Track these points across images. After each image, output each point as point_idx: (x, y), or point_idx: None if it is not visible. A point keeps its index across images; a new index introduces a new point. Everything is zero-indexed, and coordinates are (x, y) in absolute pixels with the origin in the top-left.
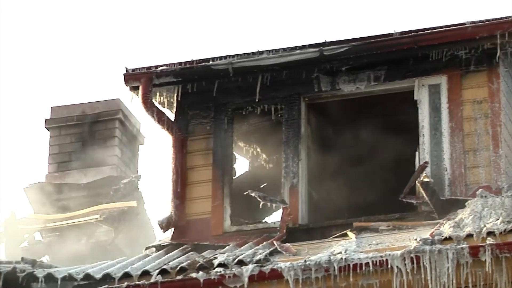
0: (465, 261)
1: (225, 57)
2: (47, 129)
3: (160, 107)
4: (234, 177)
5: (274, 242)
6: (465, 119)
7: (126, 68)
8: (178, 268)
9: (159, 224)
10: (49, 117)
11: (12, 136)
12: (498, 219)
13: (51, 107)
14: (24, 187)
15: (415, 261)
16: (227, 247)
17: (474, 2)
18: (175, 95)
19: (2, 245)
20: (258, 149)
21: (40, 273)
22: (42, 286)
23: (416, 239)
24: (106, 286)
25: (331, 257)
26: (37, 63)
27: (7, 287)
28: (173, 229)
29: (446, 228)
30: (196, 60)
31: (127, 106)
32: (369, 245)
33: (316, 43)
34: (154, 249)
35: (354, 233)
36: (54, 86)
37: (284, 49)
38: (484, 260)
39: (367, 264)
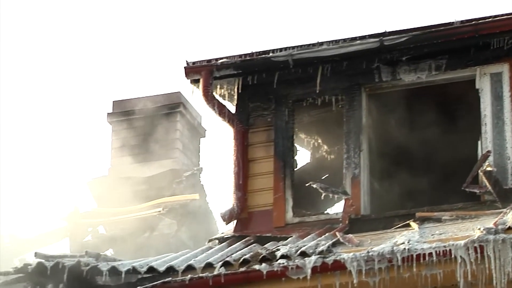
0: None
1: (285, 48)
2: (109, 123)
3: (220, 99)
4: (295, 169)
5: (337, 233)
6: None
7: (186, 61)
8: (241, 260)
9: (221, 217)
10: (111, 111)
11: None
12: None
13: (113, 101)
14: (87, 181)
15: (478, 251)
16: (289, 239)
17: None
18: (236, 87)
19: (66, 239)
20: (319, 140)
21: (104, 266)
22: (106, 280)
23: (479, 229)
24: (170, 278)
25: (394, 248)
26: (99, 57)
27: (71, 280)
28: (235, 221)
29: (510, 217)
30: (256, 52)
31: (188, 99)
32: (432, 235)
33: (376, 33)
34: (217, 241)
35: (417, 223)
36: (116, 80)
37: (344, 40)
38: None
39: (430, 254)
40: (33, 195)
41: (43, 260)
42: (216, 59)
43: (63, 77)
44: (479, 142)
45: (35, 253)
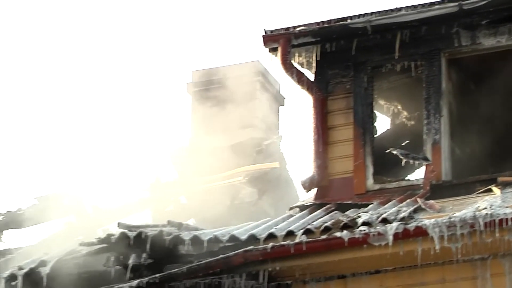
0: None
1: (363, 15)
2: (189, 93)
3: (299, 67)
4: (375, 136)
5: (418, 199)
6: None
7: (265, 30)
8: (322, 227)
9: (302, 185)
10: (191, 81)
11: (156, 101)
12: None
13: (192, 71)
14: (169, 152)
15: None
16: (370, 206)
17: None
18: (314, 55)
19: (148, 210)
20: (399, 107)
21: (186, 235)
22: (188, 249)
23: None
24: (252, 247)
25: (476, 213)
26: (179, 27)
27: (154, 250)
28: (315, 189)
29: None
30: (334, 19)
31: (266, 68)
32: None
33: None
34: (297, 209)
35: (499, 188)
36: (196, 50)
37: (423, 5)
38: None
39: None
40: (115, 166)
41: (126, 230)
42: (294, 27)
43: (145, 48)
44: None
45: (118, 223)
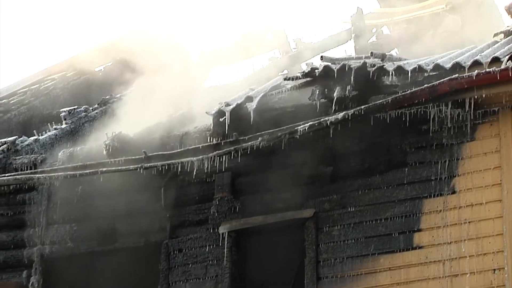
0: None
1: None
2: None
3: None
4: None
5: None
6: None
7: None
8: None
9: (506, 10)
10: None
11: None
12: None
13: None
14: None
15: None
16: None
17: None
18: None
19: (351, 42)
20: None
21: (389, 66)
22: (393, 79)
23: None
24: (456, 75)
25: None
26: None
27: (358, 82)
28: None
29: None
30: None
31: None
32: None
33: None
34: (502, 35)
35: None
36: None
37: None
38: None
39: None
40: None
41: (329, 63)
42: None
43: None
44: None
45: (321, 56)
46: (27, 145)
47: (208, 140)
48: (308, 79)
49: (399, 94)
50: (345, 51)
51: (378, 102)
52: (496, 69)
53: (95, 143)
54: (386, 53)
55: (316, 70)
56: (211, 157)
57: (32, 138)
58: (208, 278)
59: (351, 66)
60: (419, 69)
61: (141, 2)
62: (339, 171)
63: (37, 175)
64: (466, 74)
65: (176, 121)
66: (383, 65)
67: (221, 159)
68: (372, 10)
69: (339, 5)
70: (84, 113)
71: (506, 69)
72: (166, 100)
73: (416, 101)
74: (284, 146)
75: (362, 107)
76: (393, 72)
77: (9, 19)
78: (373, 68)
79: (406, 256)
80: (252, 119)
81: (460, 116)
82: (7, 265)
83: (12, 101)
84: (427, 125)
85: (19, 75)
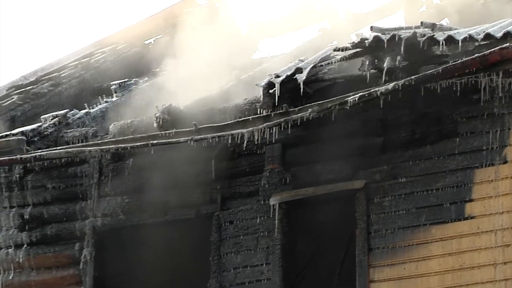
0: None
1: None
2: None
3: None
4: None
5: None
6: None
7: None
8: None
9: None
10: None
11: None
12: None
13: None
14: None
15: None
16: None
17: None
18: None
19: (401, 12)
20: None
21: (440, 36)
22: (443, 49)
23: None
24: (507, 44)
25: None
26: None
27: (408, 52)
28: None
29: None
30: None
31: None
32: None
33: None
34: None
35: None
36: None
37: None
38: None
39: None
40: None
41: (379, 34)
42: None
43: None
44: None
45: (371, 27)
46: (78, 118)
47: (258, 112)
48: (358, 49)
49: (450, 64)
50: (395, 21)
51: (428, 72)
52: None
53: (146, 115)
54: (436, 23)
55: (366, 41)
56: (261, 129)
57: (83, 111)
58: (259, 249)
59: (401, 36)
60: (470, 38)
61: None
62: (389, 141)
63: (89, 148)
64: None
65: (226, 93)
66: (434, 35)
67: (271, 131)
68: None
69: None
70: (135, 86)
71: None
72: (216, 72)
73: (467, 70)
74: (334, 117)
75: (413, 77)
76: (444, 42)
77: None
78: (423, 38)
79: (457, 226)
80: (302, 90)
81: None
82: (60, 238)
83: (63, 75)
84: (478, 95)
85: (69, 49)
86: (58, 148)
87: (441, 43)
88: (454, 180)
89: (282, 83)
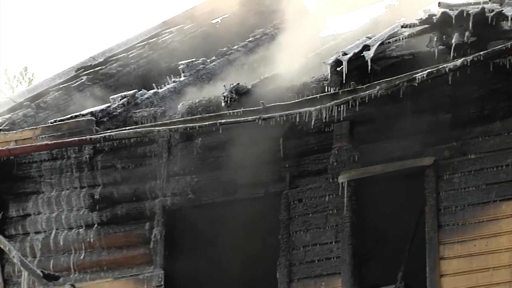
0: None
1: None
2: None
3: None
4: None
5: None
6: None
7: None
8: None
9: None
10: None
11: None
12: None
13: None
14: None
15: None
16: None
17: None
18: None
19: None
20: None
21: (508, 11)
22: (511, 25)
23: None
24: None
25: None
26: None
27: (476, 28)
28: None
29: None
30: None
31: None
32: None
33: None
34: None
35: None
36: None
37: None
38: None
39: None
40: None
41: (447, 10)
42: None
43: None
44: None
45: (439, 3)
46: (147, 98)
47: (326, 90)
48: (426, 26)
49: None
50: None
51: (497, 47)
52: None
53: (214, 95)
54: None
55: (433, 17)
56: (329, 107)
57: (151, 91)
58: (328, 227)
59: (469, 12)
60: None
61: None
62: (458, 118)
63: (157, 128)
64: None
65: (293, 71)
66: (502, 10)
67: (339, 109)
68: None
69: None
70: (202, 66)
71: None
72: (283, 50)
73: None
74: (402, 94)
75: (481, 53)
76: None
77: None
78: (492, 13)
79: None
80: (369, 67)
81: None
82: (130, 217)
83: (131, 55)
84: None
85: (137, 29)
86: (127, 128)
87: (509, 18)
88: None
89: (349, 60)
